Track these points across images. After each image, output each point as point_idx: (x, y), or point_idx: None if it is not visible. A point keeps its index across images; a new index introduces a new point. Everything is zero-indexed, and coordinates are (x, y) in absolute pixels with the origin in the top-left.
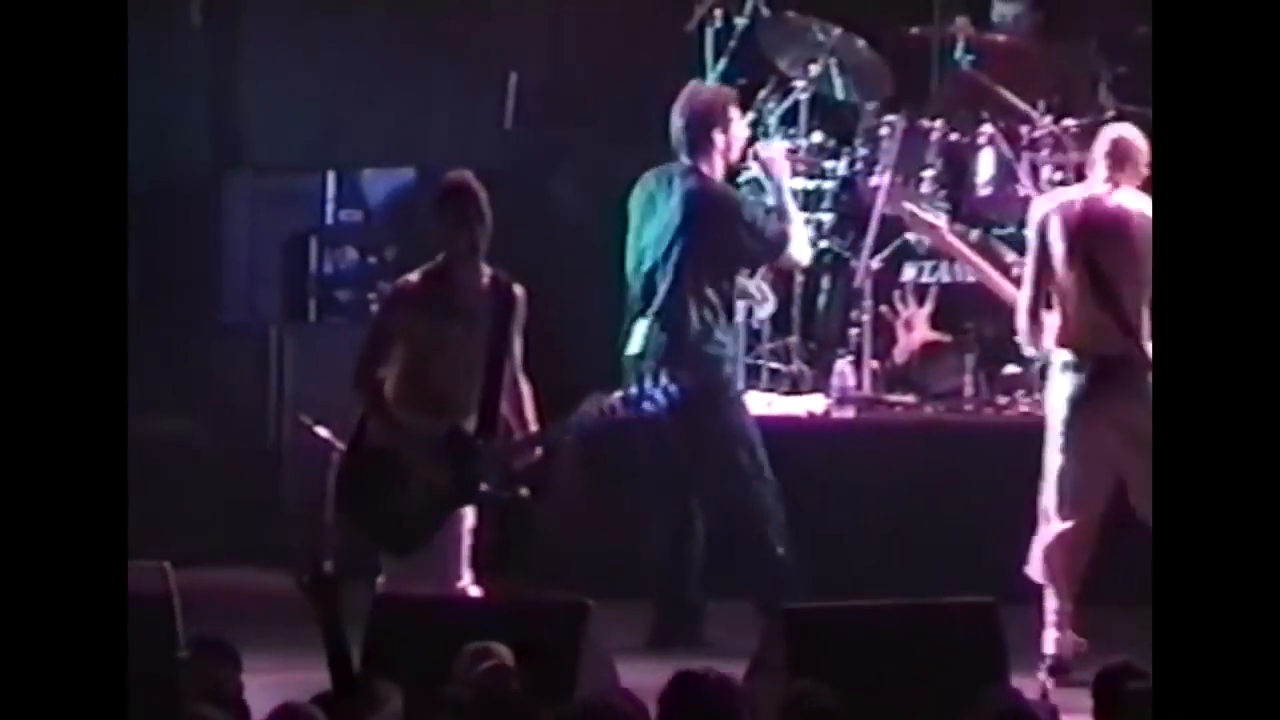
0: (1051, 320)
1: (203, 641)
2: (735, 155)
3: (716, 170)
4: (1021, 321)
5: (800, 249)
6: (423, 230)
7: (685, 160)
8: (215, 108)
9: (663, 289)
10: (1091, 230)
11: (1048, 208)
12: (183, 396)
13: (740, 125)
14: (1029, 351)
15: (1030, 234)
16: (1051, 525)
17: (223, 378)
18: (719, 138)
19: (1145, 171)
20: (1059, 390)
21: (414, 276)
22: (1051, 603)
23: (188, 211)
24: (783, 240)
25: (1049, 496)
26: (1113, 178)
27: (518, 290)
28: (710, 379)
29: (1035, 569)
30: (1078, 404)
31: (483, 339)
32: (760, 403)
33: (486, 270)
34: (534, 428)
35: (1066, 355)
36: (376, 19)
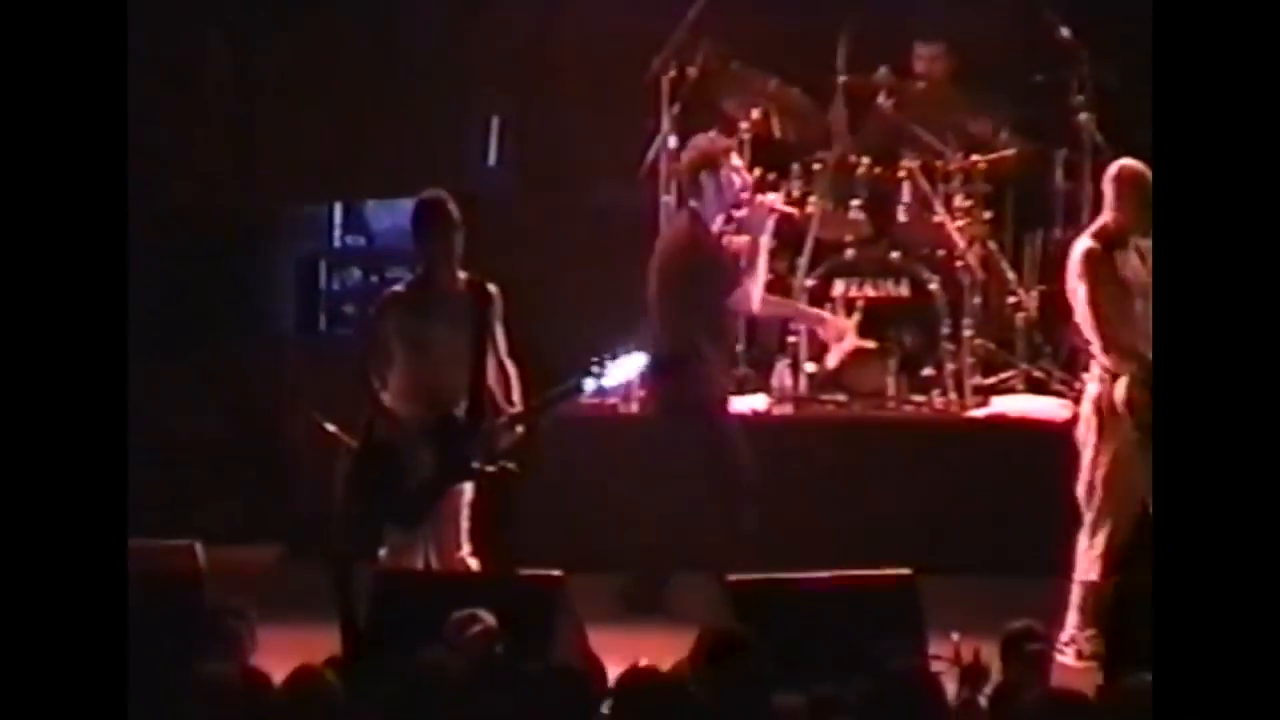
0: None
1: (225, 610)
2: (730, 198)
3: (710, 209)
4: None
5: (750, 300)
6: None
7: (691, 201)
8: (239, 148)
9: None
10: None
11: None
12: (211, 399)
13: (733, 171)
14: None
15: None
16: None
17: (245, 382)
18: (708, 182)
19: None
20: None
21: (399, 287)
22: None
23: (214, 238)
24: (731, 290)
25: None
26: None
27: (492, 288)
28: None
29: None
30: None
31: (466, 334)
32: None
33: (463, 275)
34: (519, 407)
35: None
36: (379, 70)
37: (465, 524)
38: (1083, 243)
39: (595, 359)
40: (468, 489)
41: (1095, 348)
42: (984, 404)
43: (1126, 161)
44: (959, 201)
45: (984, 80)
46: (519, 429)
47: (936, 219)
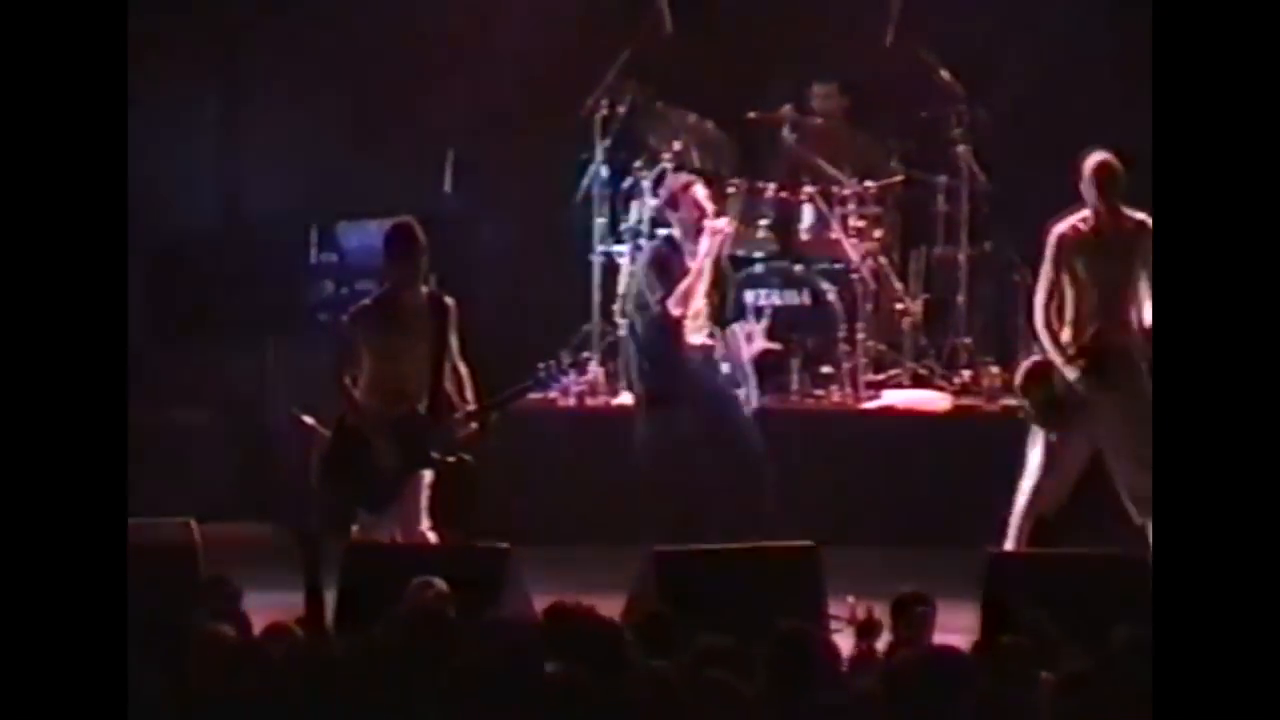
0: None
1: (216, 578)
2: (691, 223)
3: (680, 233)
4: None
5: (677, 305)
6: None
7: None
8: (227, 177)
9: None
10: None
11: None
12: (203, 394)
13: (693, 202)
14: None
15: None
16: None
17: (232, 379)
18: (672, 214)
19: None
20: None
21: (368, 301)
22: None
23: (208, 254)
24: (667, 296)
25: None
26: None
27: (449, 300)
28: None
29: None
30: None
31: (426, 341)
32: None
33: (424, 289)
34: (472, 405)
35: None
36: (348, 108)
37: (425, 505)
38: (1058, 227)
39: (541, 364)
40: (428, 475)
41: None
42: (875, 397)
43: (1102, 155)
44: (853, 221)
45: (874, 116)
46: (473, 425)
47: (834, 237)
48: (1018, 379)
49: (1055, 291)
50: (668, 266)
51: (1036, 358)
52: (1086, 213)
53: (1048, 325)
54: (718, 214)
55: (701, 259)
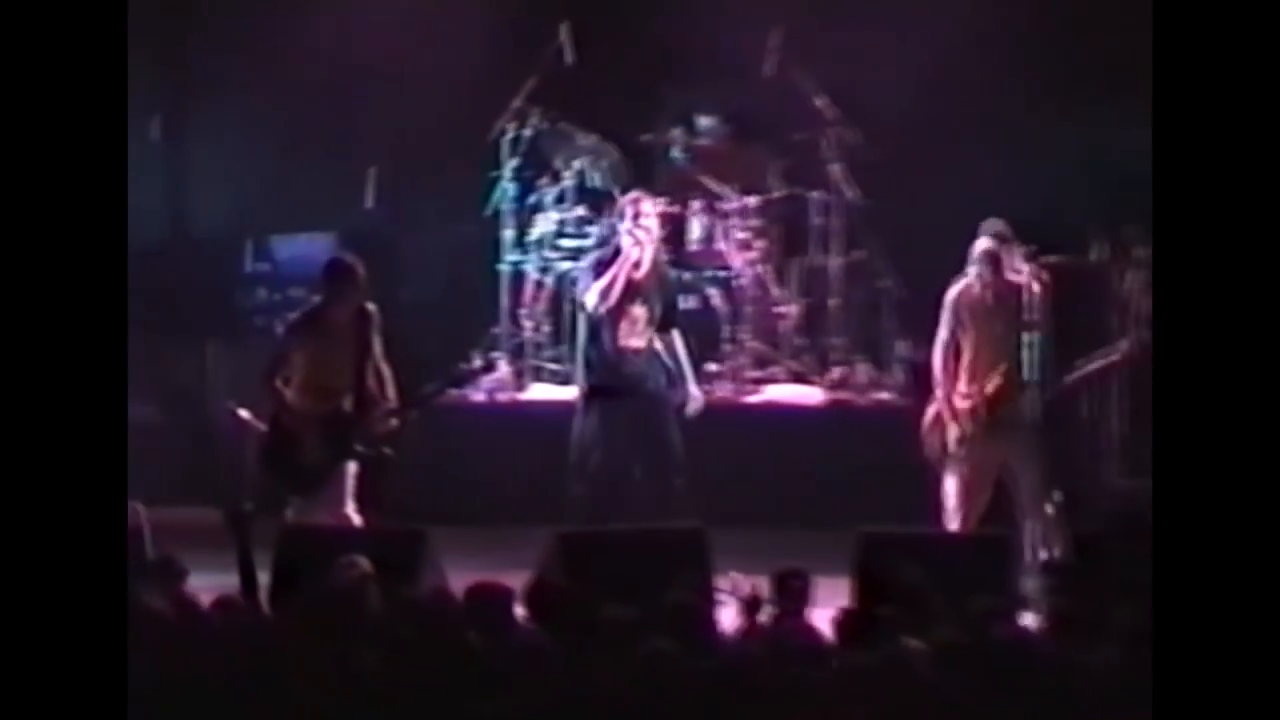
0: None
1: (163, 558)
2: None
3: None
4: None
5: (595, 299)
6: (310, 275)
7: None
8: (170, 196)
9: None
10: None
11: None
12: (149, 391)
13: (627, 214)
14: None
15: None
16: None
17: (175, 377)
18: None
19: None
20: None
21: (301, 315)
22: None
23: (152, 266)
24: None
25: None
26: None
27: (371, 307)
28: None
29: None
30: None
31: (352, 346)
32: (547, 391)
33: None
34: (393, 403)
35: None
36: (282, 132)
37: (351, 491)
38: (952, 290)
39: (457, 366)
40: (352, 465)
41: None
42: (757, 392)
43: (988, 242)
44: (737, 233)
45: (756, 138)
46: (393, 421)
47: (719, 247)
48: (923, 427)
49: (951, 346)
50: (600, 271)
51: (937, 408)
52: (972, 279)
53: (945, 378)
54: (640, 226)
55: (620, 264)
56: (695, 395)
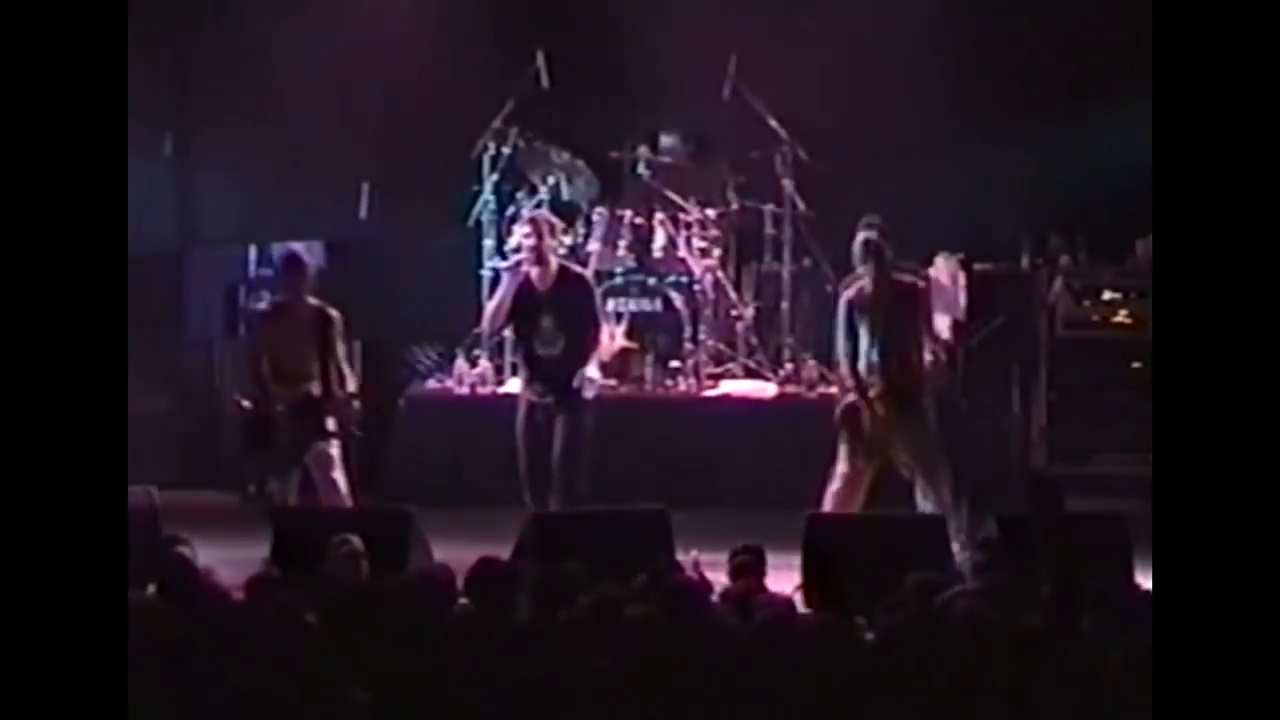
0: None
1: (174, 537)
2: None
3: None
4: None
5: (484, 321)
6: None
7: None
8: (180, 204)
9: None
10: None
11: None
12: (161, 384)
13: (524, 236)
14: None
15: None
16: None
17: (185, 372)
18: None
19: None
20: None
21: (266, 307)
22: None
23: (165, 270)
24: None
25: None
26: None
27: (333, 312)
28: None
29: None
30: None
31: (313, 337)
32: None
33: (314, 301)
34: (354, 390)
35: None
36: (282, 147)
37: (336, 471)
38: (845, 294)
39: (417, 360)
40: (335, 447)
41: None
42: (714, 386)
43: (866, 233)
44: (697, 242)
45: (714, 155)
46: (355, 404)
47: (681, 255)
48: (835, 418)
49: (852, 344)
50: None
51: (848, 400)
52: (864, 280)
53: (853, 373)
54: (528, 247)
55: (505, 286)
56: (590, 376)
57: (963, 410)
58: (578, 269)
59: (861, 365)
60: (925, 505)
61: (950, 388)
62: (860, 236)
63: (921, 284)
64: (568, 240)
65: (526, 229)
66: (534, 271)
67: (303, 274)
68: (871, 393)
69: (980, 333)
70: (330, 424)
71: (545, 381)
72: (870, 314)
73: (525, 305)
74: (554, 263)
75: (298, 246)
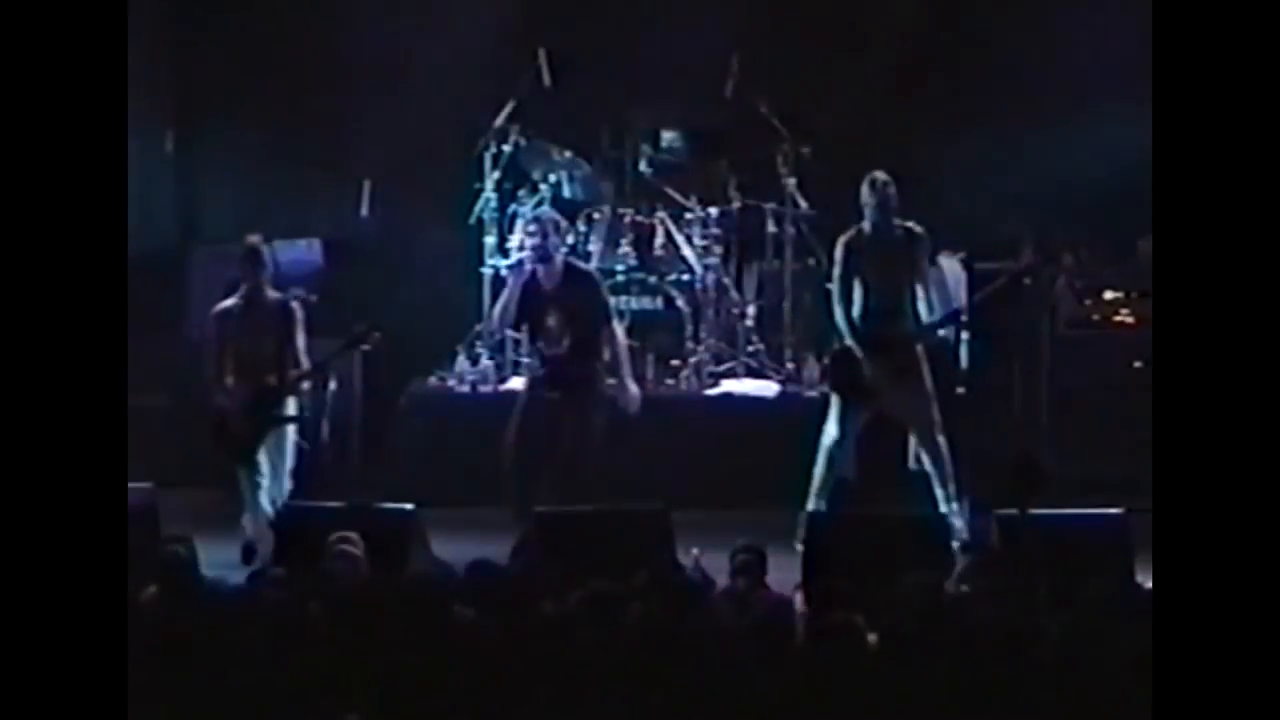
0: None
1: (174, 537)
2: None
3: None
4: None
5: (493, 320)
6: (308, 277)
7: None
8: (181, 203)
9: None
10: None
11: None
12: (161, 381)
13: (528, 235)
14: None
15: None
16: None
17: (185, 369)
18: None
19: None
20: None
21: (231, 305)
22: None
23: (166, 268)
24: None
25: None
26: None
27: (294, 306)
28: None
29: None
30: None
31: (275, 335)
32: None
33: (274, 294)
34: (304, 369)
35: None
36: (283, 146)
37: (291, 455)
38: (843, 238)
39: (356, 332)
40: (291, 434)
41: None
42: (716, 385)
43: (876, 174)
44: (698, 241)
45: (716, 154)
46: (305, 384)
47: (683, 253)
48: (825, 362)
49: (847, 291)
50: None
51: (839, 346)
52: (865, 224)
53: (847, 319)
54: (530, 246)
55: (510, 287)
56: (630, 392)
57: (958, 378)
58: (585, 267)
59: (856, 311)
60: (920, 454)
61: (945, 341)
62: (870, 176)
63: (919, 230)
64: (570, 239)
65: (532, 227)
66: (540, 270)
67: (262, 266)
68: (864, 342)
69: (988, 290)
70: (289, 408)
71: (552, 379)
72: (867, 258)
73: (532, 304)
74: (559, 260)
75: (255, 239)
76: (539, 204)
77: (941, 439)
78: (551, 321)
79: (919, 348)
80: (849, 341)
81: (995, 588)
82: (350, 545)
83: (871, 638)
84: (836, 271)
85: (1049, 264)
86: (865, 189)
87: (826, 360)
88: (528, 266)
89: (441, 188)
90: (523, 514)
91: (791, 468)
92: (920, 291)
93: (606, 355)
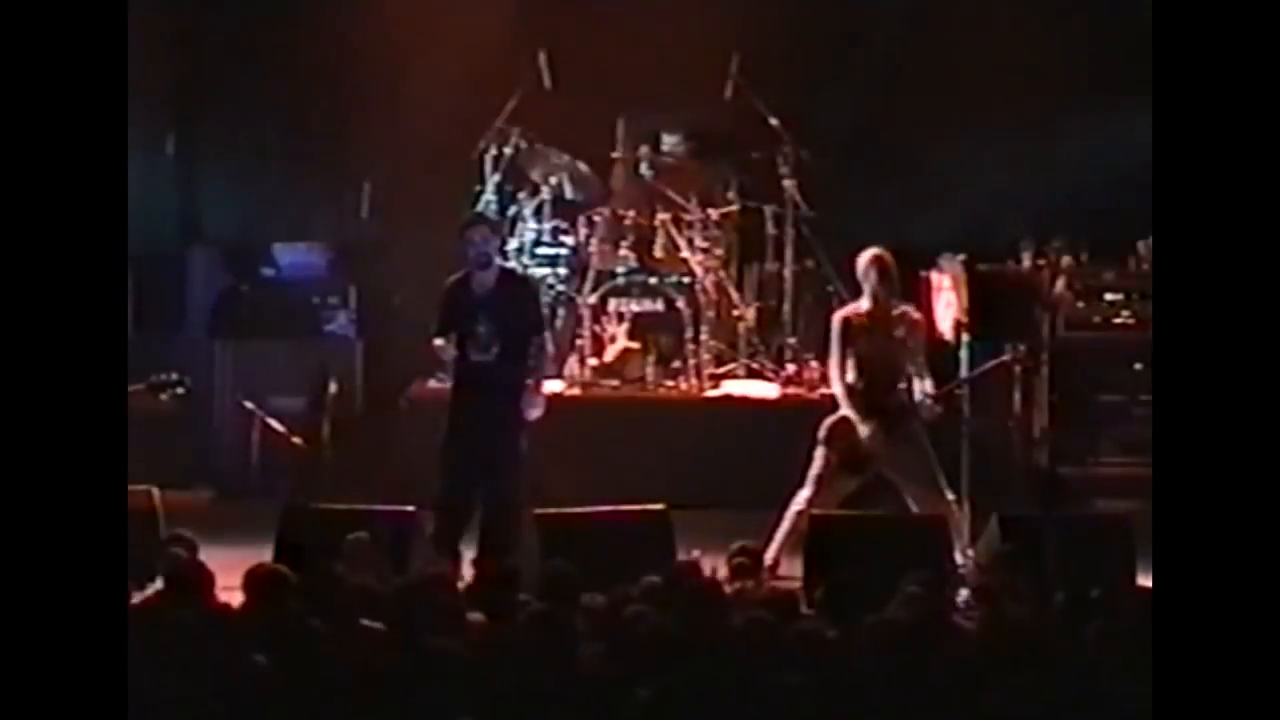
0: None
1: (174, 536)
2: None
3: None
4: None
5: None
6: (310, 279)
7: None
8: (183, 204)
9: None
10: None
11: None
12: (161, 383)
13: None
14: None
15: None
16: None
17: (187, 371)
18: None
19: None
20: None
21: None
22: None
23: (169, 269)
24: None
25: None
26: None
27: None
28: None
29: None
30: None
31: None
32: None
33: None
34: None
35: None
36: (285, 150)
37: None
38: (841, 313)
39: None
40: None
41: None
42: (716, 386)
43: (875, 250)
44: (698, 243)
45: (715, 156)
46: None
47: (683, 255)
48: (822, 433)
49: (844, 363)
50: None
51: (838, 415)
52: (864, 301)
53: (846, 390)
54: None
55: (447, 297)
56: (538, 397)
57: (962, 427)
58: (521, 273)
59: (851, 380)
60: (960, 509)
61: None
62: (868, 252)
63: (916, 315)
64: (569, 240)
65: (470, 233)
66: (475, 275)
67: None
68: (862, 414)
69: (979, 371)
70: None
71: (477, 389)
72: (864, 337)
73: (462, 310)
74: (495, 267)
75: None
76: (539, 206)
77: (949, 494)
78: (481, 329)
79: (914, 419)
80: (849, 411)
81: (996, 588)
82: (363, 547)
83: (871, 638)
84: (833, 346)
85: (1049, 265)
86: (863, 263)
87: (824, 429)
88: (462, 271)
89: (442, 190)
90: (442, 510)
91: (792, 468)
92: (914, 370)
93: (531, 364)
